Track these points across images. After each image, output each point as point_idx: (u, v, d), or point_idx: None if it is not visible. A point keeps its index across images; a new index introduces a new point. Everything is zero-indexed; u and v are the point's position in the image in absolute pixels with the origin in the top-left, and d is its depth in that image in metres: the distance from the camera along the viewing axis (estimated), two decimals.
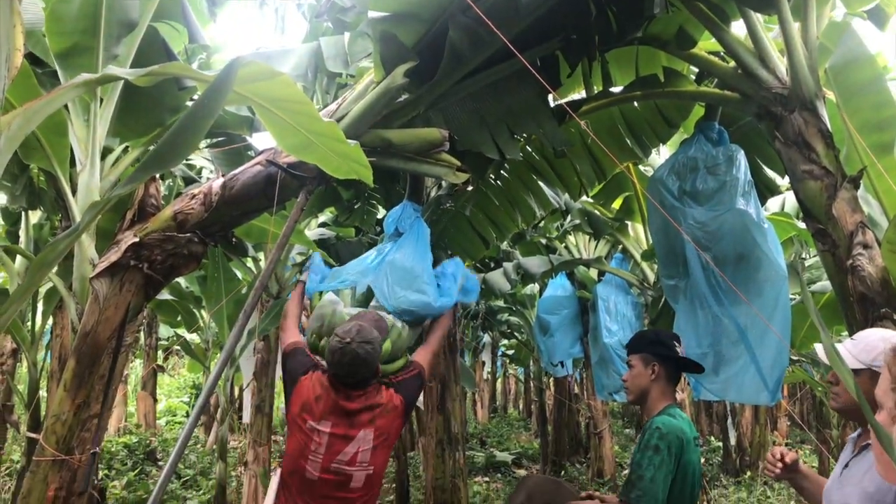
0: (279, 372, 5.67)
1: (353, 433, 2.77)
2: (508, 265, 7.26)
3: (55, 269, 4.10)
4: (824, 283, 5.46)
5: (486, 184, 4.96)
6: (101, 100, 3.26)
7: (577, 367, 10.98)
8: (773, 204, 6.02)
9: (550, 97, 3.68)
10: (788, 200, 5.99)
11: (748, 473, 10.61)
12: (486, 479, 10.43)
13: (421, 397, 5.43)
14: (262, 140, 3.33)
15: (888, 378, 1.16)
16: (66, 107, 3.19)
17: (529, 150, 4.74)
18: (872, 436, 1.29)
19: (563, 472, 11.05)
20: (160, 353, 14.39)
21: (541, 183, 5.08)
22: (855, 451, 2.14)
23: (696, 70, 4.05)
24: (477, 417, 18.49)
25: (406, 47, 3.10)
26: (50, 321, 5.77)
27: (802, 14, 3.22)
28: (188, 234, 2.87)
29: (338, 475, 2.76)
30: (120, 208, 3.35)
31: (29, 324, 5.71)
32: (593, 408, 10.17)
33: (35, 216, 5.83)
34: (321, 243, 6.17)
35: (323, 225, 7.07)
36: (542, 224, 7.82)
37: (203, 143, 5.51)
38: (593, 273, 8.03)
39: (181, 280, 7.46)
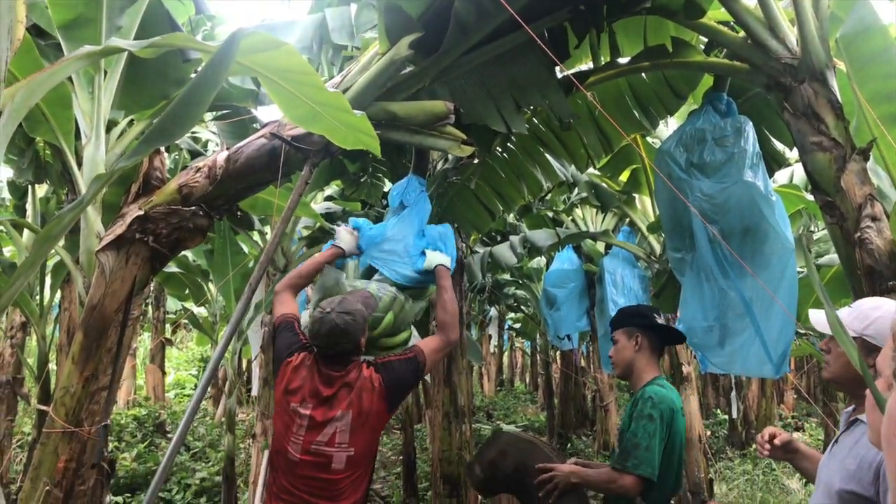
0: None
1: (331, 414, 2.73)
2: (515, 238, 7.26)
3: (62, 243, 4.13)
4: (832, 256, 5.42)
5: (493, 156, 4.92)
6: (105, 72, 3.25)
7: (584, 340, 11.03)
8: (782, 176, 5.97)
9: (557, 69, 3.64)
10: (797, 172, 5.93)
11: (753, 446, 10.66)
12: None
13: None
14: (269, 113, 3.31)
15: (891, 345, 1.14)
16: (70, 79, 3.18)
17: (536, 122, 4.69)
18: (867, 404, 1.28)
19: (569, 445, 11.14)
20: (168, 327, 14.49)
21: (547, 155, 5.03)
22: (845, 427, 2.09)
23: (705, 40, 3.99)
24: (483, 390, 18.61)
25: (411, 18, 3.06)
26: (58, 295, 5.82)
27: None
28: (193, 208, 2.86)
29: (317, 456, 2.72)
30: (126, 182, 3.35)
31: (38, 297, 5.77)
32: (599, 381, 10.25)
33: (42, 190, 5.87)
34: (327, 217, 6.18)
35: (329, 198, 7.07)
36: (548, 197, 7.79)
37: (208, 116, 5.50)
38: (600, 246, 8.01)
39: (188, 253, 7.50)
